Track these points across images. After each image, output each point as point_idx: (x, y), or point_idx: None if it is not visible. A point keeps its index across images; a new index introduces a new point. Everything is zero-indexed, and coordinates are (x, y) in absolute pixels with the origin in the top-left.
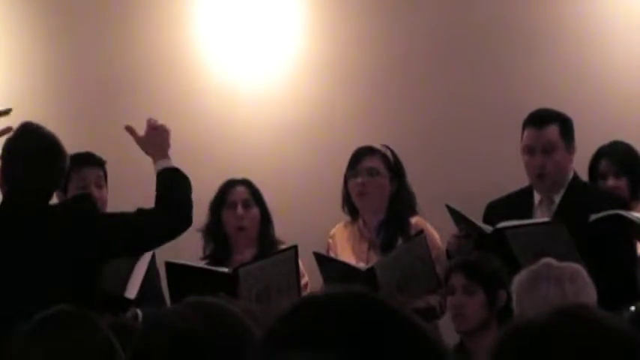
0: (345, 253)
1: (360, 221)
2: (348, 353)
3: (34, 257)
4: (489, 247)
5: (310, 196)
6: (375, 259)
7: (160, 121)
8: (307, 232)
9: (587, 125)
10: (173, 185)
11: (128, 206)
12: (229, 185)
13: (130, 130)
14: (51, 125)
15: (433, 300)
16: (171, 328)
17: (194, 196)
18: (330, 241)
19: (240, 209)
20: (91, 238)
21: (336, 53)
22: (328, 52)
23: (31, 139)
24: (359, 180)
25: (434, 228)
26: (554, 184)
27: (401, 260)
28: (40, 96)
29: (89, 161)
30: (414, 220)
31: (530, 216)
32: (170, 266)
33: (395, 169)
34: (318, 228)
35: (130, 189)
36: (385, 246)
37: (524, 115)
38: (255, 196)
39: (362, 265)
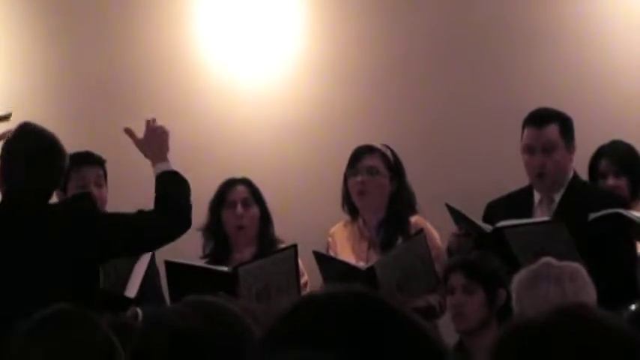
0: (345, 252)
1: (360, 220)
2: (348, 352)
3: (33, 256)
4: (489, 247)
5: (310, 196)
6: (374, 258)
7: (160, 121)
8: (307, 231)
9: (587, 125)
10: (172, 188)
11: (128, 206)
12: (229, 184)
13: (129, 132)
14: (51, 125)
15: (433, 299)
16: (171, 327)
17: (194, 196)
18: (330, 240)
19: (239, 208)
20: (90, 237)
21: (336, 53)
22: (328, 52)
23: (31, 139)
24: (359, 179)
25: (434, 227)
26: (554, 184)
27: (401, 259)
28: (40, 96)
29: (89, 160)
30: (413, 219)
31: (530, 215)
32: (170, 265)
33: (395, 168)
34: (318, 227)
35: (129, 189)
36: (385, 245)
37: (524, 115)
38: (254, 195)
39: (362, 264)
